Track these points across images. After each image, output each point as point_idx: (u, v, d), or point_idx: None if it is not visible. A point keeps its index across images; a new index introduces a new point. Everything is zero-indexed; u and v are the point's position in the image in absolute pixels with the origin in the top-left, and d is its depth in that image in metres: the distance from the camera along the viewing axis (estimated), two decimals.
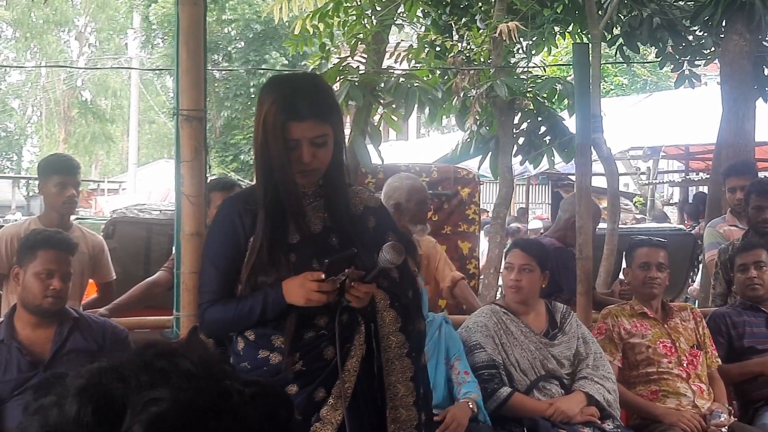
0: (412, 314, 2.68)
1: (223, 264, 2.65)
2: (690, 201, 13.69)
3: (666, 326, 4.34)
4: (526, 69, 7.65)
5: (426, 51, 7.29)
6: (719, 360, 4.39)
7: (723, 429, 4.04)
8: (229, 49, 23.07)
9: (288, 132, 2.52)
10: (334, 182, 2.66)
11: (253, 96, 22.03)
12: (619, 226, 6.94)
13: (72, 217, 4.82)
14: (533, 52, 8.18)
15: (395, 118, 6.33)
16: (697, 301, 6.74)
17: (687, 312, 4.47)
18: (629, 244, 4.63)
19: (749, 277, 4.59)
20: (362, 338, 2.59)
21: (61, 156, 4.94)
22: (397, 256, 2.43)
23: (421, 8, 7.35)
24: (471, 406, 3.65)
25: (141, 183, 26.38)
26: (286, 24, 12.78)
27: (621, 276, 5.24)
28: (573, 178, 14.65)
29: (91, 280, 4.68)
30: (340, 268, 2.46)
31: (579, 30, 7.78)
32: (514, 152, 6.76)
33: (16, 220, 7.00)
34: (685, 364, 4.23)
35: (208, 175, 3.85)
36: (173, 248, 4.23)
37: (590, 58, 5.16)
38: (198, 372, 0.81)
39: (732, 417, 4.14)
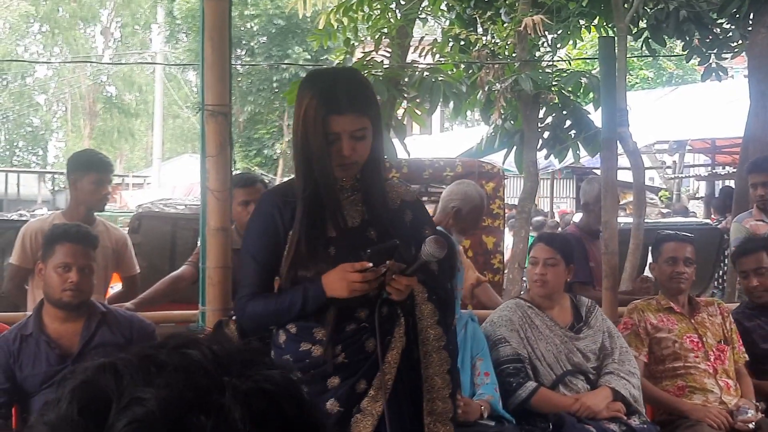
0: (449, 307, 2.72)
1: (263, 257, 2.66)
2: (716, 195, 13.58)
3: (693, 321, 4.30)
4: (551, 63, 7.60)
5: (450, 45, 7.27)
6: (746, 356, 4.34)
7: (750, 425, 4.00)
8: (251, 44, 23.14)
9: (328, 126, 2.53)
10: (371, 176, 2.67)
11: (276, 90, 22.10)
12: (645, 220, 6.88)
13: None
14: (558, 45, 8.13)
15: (419, 113, 6.33)
16: (725, 295, 6.68)
17: (714, 307, 4.43)
18: (656, 238, 4.59)
19: (753, 285, 4.51)
20: (402, 331, 2.61)
21: (97, 154, 4.98)
22: (440, 250, 2.46)
23: (445, 2, 7.34)
24: (483, 408, 3.62)
25: (165, 177, 26.54)
26: (308, 19, 12.81)
27: (648, 271, 5.21)
28: (598, 172, 14.57)
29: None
30: (381, 259, 2.47)
31: (604, 23, 7.73)
32: (539, 146, 6.74)
33: (43, 215, 7.05)
34: (712, 359, 4.20)
35: (232, 170, 3.86)
36: (198, 242, 4.26)
37: (616, 52, 5.13)
38: (201, 365, 0.79)
39: (759, 413, 4.10)
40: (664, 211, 15.14)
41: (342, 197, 2.66)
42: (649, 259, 4.72)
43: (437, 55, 7.10)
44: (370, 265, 2.46)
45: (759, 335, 4.48)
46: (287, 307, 2.58)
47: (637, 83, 22.25)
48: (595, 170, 15.05)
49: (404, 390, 2.62)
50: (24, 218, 8.03)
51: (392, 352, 2.59)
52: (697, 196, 18.37)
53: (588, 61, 16.08)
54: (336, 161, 2.57)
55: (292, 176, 2.74)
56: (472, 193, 4.68)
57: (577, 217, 8.69)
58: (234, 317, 3.44)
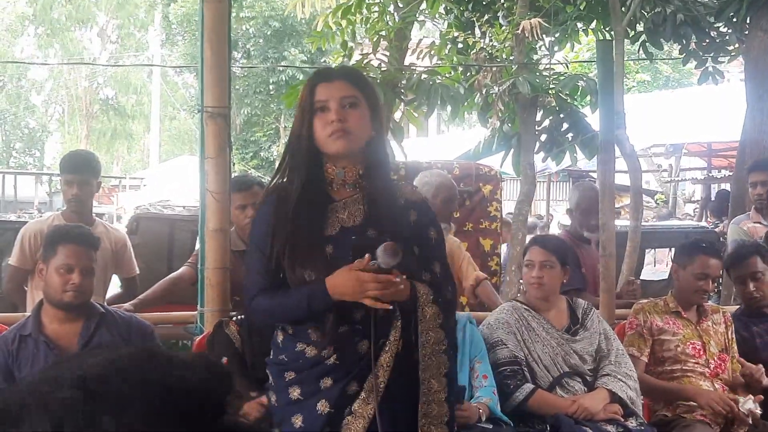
0: (452, 311, 2.69)
1: (269, 249, 2.62)
2: (712, 198, 13.61)
3: (698, 328, 4.30)
4: (548, 66, 7.62)
5: (448, 48, 7.29)
6: (741, 366, 4.34)
7: (749, 419, 3.99)
8: (247, 46, 23.16)
9: (316, 95, 2.56)
10: (375, 172, 2.65)
11: (272, 93, 22.13)
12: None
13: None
14: (556, 48, 8.15)
15: (416, 115, 6.34)
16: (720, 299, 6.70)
17: (719, 315, 4.41)
18: (689, 244, 4.46)
19: (750, 291, 4.48)
20: (398, 333, 2.58)
21: (73, 153, 4.96)
22: (392, 258, 2.40)
23: (443, 5, 7.35)
24: (481, 411, 3.62)
25: (162, 179, 26.52)
26: (304, 21, 12.82)
27: (644, 273, 5.20)
28: (594, 175, 14.59)
29: None
30: (362, 255, 2.44)
31: (602, 26, 7.75)
32: (536, 149, 6.75)
33: (41, 215, 7.05)
34: (712, 367, 4.21)
35: (232, 172, 3.88)
36: (196, 244, 4.27)
37: (614, 55, 5.14)
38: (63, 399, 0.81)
39: (759, 409, 4.08)
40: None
41: (344, 194, 2.63)
42: (657, 257, 4.69)
43: (435, 58, 7.12)
44: (371, 263, 2.42)
45: (761, 343, 4.46)
46: (293, 308, 2.57)
47: (633, 86, 22.30)
48: (591, 173, 15.09)
49: (399, 392, 2.59)
50: (22, 219, 8.03)
51: (386, 355, 2.56)
52: (693, 199, 18.39)
53: (585, 64, 16.09)
54: (326, 132, 2.56)
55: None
56: (429, 179, 4.74)
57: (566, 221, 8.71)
58: (234, 318, 3.46)
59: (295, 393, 2.61)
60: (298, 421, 2.59)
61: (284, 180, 2.68)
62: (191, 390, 0.83)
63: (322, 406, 2.56)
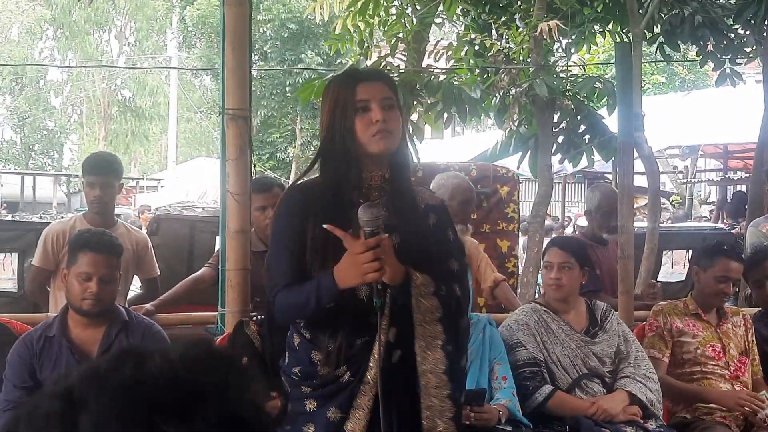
0: (458, 308, 2.64)
1: (294, 247, 2.59)
2: (729, 200, 13.57)
3: (718, 330, 4.30)
4: (565, 68, 7.62)
5: (465, 50, 7.30)
6: (761, 369, 4.34)
7: None
8: (264, 48, 23.24)
9: (357, 94, 2.54)
10: (400, 174, 2.65)
11: (288, 95, 22.18)
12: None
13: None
14: (573, 50, 8.15)
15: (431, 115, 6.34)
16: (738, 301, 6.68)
17: (739, 317, 4.41)
18: (710, 246, 4.43)
19: (766, 294, 4.50)
20: (385, 322, 2.53)
21: (95, 155, 4.96)
22: (370, 211, 2.39)
23: (460, 7, 7.36)
24: (500, 413, 3.63)
25: (179, 180, 26.65)
26: (321, 24, 12.87)
27: (662, 275, 5.19)
28: (610, 176, 14.56)
29: None
30: (375, 228, 2.42)
31: (619, 28, 7.74)
32: (553, 151, 6.76)
33: (62, 216, 7.10)
34: (732, 370, 4.20)
35: (252, 173, 3.90)
36: (216, 245, 4.30)
37: (632, 57, 5.15)
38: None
39: None
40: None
41: (369, 198, 2.60)
42: (674, 258, 4.68)
43: (452, 60, 7.13)
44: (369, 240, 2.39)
45: None
46: (305, 301, 2.52)
47: (648, 88, 22.24)
48: (607, 175, 15.07)
49: (398, 384, 2.56)
50: (44, 221, 8.09)
51: (377, 344, 2.52)
52: (708, 201, 18.34)
53: (600, 66, 16.07)
54: (370, 132, 2.53)
55: (315, 176, 2.69)
56: (445, 182, 4.74)
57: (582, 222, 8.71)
58: (254, 319, 3.49)
59: (310, 405, 2.63)
60: (310, 430, 2.61)
61: (309, 178, 2.67)
62: (163, 385, 0.85)
63: (333, 414, 2.58)
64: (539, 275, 5.78)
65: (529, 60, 6.86)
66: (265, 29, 22.93)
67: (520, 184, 7.86)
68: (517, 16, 7.37)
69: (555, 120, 6.73)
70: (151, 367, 0.86)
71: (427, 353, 2.55)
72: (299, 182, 2.72)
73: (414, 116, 6.61)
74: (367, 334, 2.54)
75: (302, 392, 2.65)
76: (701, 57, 7.67)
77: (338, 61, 19.47)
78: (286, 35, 22.83)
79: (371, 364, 2.55)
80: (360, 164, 2.61)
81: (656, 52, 7.92)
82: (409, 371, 2.56)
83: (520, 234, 7.59)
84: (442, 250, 2.66)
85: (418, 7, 6.75)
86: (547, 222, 12.44)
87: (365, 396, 2.55)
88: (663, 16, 7.38)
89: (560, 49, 8.04)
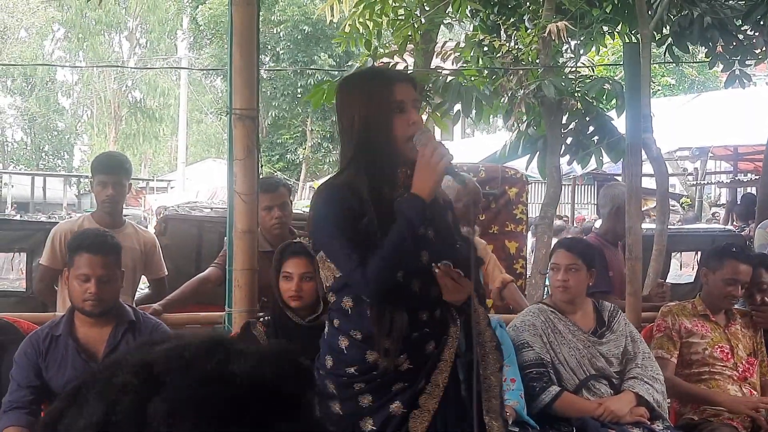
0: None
1: (353, 234, 2.53)
2: (738, 202, 13.52)
3: (726, 331, 4.28)
4: (573, 69, 7.61)
5: (474, 50, 7.30)
6: None
7: None
8: (277, 49, 23.28)
9: (395, 94, 2.55)
10: None
11: (299, 96, 22.21)
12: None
13: None
14: (581, 51, 8.14)
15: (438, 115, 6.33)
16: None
17: (748, 319, 4.40)
18: (719, 248, 4.41)
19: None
20: (458, 331, 2.67)
21: (106, 155, 4.97)
22: (426, 135, 2.54)
23: (469, 7, 7.35)
24: (508, 414, 3.62)
25: (189, 181, 26.71)
26: (335, 25, 12.89)
27: (670, 277, 5.17)
28: (619, 178, 14.53)
29: None
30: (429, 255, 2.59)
31: (628, 30, 7.73)
32: (561, 152, 6.75)
33: (71, 216, 7.12)
34: (740, 371, 4.19)
35: (260, 173, 3.91)
36: (223, 245, 4.30)
37: (640, 58, 5.14)
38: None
39: None
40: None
41: (400, 196, 2.59)
42: (683, 260, 4.66)
43: (460, 61, 7.13)
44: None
45: None
46: (399, 240, 2.47)
47: (658, 90, 22.19)
48: (616, 176, 15.03)
49: (456, 388, 2.67)
50: (52, 220, 8.12)
51: (449, 350, 2.64)
52: (718, 203, 18.28)
53: (609, 67, 16.04)
54: (405, 133, 2.55)
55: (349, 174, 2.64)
56: (451, 183, 4.71)
57: (597, 224, 8.68)
58: (261, 319, 3.49)
59: (365, 400, 2.64)
60: (368, 424, 2.62)
61: (344, 176, 2.64)
62: (253, 384, 0.82)
63: (396, 408, 2.60)
64: (547, 277, 5.77)
65: (537, 61, 6.85)
66: (278, 30, 22.97)
67: (529, 186, 7.84)
68: (525, 17, 7.37)
69: (564, 121, 6.72)
70: (239, 366, 0.83)
71: (489, 357, 2.72)
72: (340, 180, 2.65)
73: (423, 117, 6.61)
74: (419, 329, 2.61)
75: (355, 390, 2.65)
76: (710, 58, 7.64)
77: (348, 62, 19.50)
78: (299, 37, 22.87)
79: (440, 368, 2.63)
80: (402, 163, 2.64)
81: (665, 53, 7.90)
82: (467, 378, 2.69)
83: (528, 235, 7.58)
84: (462, 247, 2.74)
85: (427, 8, 6.74)
86: (558, 222, 12.44)
87: (433, 399, 2.61)
88: (672, 17, 7.36)
89: (569, 51, 8.03)
